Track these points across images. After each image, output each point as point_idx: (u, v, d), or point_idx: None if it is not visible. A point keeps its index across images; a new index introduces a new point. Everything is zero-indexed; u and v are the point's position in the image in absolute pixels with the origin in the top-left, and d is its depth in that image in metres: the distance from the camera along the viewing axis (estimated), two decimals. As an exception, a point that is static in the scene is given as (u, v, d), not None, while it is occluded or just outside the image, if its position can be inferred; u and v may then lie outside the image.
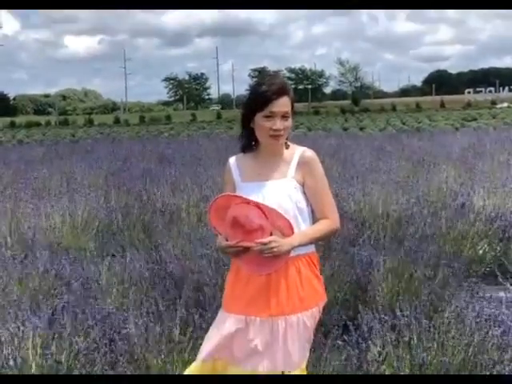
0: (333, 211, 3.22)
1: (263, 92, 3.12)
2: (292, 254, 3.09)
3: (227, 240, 3.09)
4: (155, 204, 9.17)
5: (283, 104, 3.12)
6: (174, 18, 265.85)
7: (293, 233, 3.06)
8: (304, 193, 3.20)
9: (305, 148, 3.25)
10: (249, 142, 3.26)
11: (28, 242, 7.24)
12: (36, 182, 11.42)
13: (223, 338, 3.16)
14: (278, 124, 3.11)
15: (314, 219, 3.26)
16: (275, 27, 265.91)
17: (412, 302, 4.63)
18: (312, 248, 3.24)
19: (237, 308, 3.17)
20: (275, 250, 3.00)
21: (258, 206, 3.05)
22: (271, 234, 3.03)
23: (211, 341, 3.20)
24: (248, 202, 3.07)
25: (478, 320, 4.14)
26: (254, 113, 3.15)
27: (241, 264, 3.14)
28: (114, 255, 6.74)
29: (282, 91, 3.13)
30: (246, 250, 3.05)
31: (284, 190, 3.15)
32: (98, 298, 5.16)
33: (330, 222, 3.20)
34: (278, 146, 3.20)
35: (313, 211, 3.25)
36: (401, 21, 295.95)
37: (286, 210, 3.11)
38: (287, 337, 3.11)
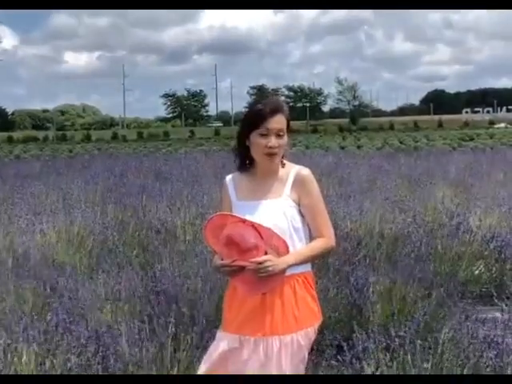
0: (328, 229, 3.22)
1: (259, 110, 3.15)
2: (287, 273, 3.08)
3: (222, 259, 3.08)
4: (151, 221, 9.15)
5: (278, 121, 3.14)
6: (172, 34, 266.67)
7: (288, 252, 3.05)
8: (300, 212, 3.19)
9: (300, 166, 3.25)
10: (244, 161, 3.26)
11: (22, 258, 7.20)
12: (32, 197, 11.38)
13: (218, 357, 3.15)
14: (273, 141, 3.12)
15: (311, 238, 3.25)
16: (273, 45, 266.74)
17: (406, 323, 4.60)
18: (308, 267, 3.23)
19: (231, 327, 3.17)
20: (270, 269, 2.99)
21: (253, 225, 3.04)
22: (266, 254, 3.02)
23: (208, 360, 3.20)
24: (243, 220, 3.06)
25: (472, 341, 4.12)
26: (250, 130, 3.17)
27: (236, 283, 3.13)
28: (108, 271, 6.71)
29: (276, 109, 3.15)
30: (242, 269, 3.04)
31: (279, 209, 3.15)
32: (92, 315, 5.14)
33: (326, 240, 3.20)
34: (273, 165, 3.20)
35: (309, 230, 3.24)
36: (399, 40, 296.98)
37: (282, 228, 3.11)
38: (281, 357, 3.10)
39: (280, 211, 3.14)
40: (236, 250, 3.02)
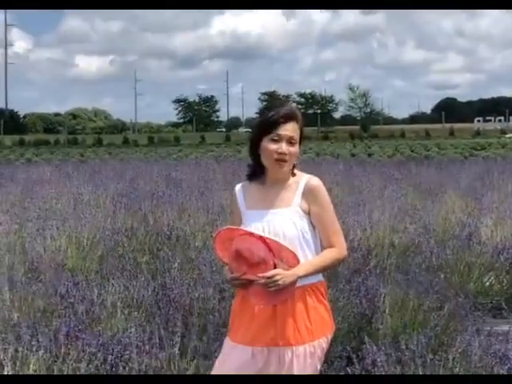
0: (339, 239, 3.19)
1: (271, 116, 3.14)
2: (298, 284, 3.06)
3: (232, 272, 3.07)
4: (161, 227, 9.15)
5: (290, 129, 3.13)
6: (184, 40, 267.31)
7: (298, 263, 3.03)
8: (310, 221, 3.17)
9: (310, 176, 3.23)
10: (255, 170, 3.24)
11: (32, 263, 7.22)
12: (43, 201, 11.41)
13: (230, 368, 3.13)
14: (284, 148, 3.11)
15: (322, 248, 3.22)
16: (285, 51, 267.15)
17: (417, 336, 4.57)
18: (319, 277, 3.21)
19: (244, 339, 3.14)
20: (280, 282, 2.98)
21: (261, 238, 3.02)
22: (275, 266, 3.00)
23: (219, 371, 3.18)
24: (251, 233, 3.04)
25: (484, 357, 4.09)
26: (262, 136, 3.15)
27: (247, 295, 3.11)
28: (118, 278, 6.71)
29: (290, 116, 3.14)
30: (251, 281, 3.03)
31: (289, 219, 3.13)
32: (102, 322, 5.14)
33: (337, 251, 3.17)
34: (283, 173, 3.17)
35: (320, 240, 3.22)
36: (410, 48, 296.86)
37: (291, 238, 3.09)
38: (293, 367, 3.09)
39: (289, 220, 3.12)
40: (245, 264, 3.01)
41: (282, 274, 2.99)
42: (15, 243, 7.92)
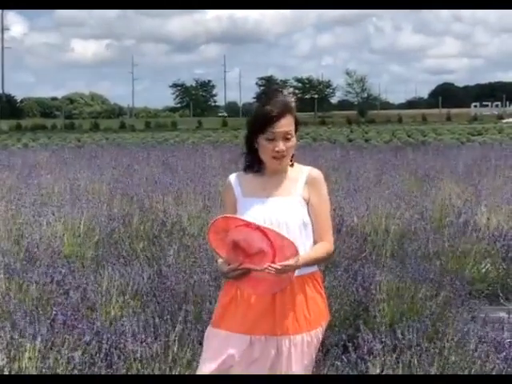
0: (330, 235, 3.22)
1: (264, 114, 3.11)
2: (297, 273, 3.06)
3: (229, 264, 3.05)
4: (157, 213, 9.13)
5: (285, 124, 3.10)
6: (180, 24, 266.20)
7: (297, 252, 3.00)
8: (309, 211, 3.17)
9: (311, 167, 3.24)
10: (253, 163, 3.23)
11: (28, 250, 7.20)
12: (39, 187, 11.39)
13: (227, 357, 3.10)
14: (281, 145, 3.10)
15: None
16: (282, 36, 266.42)
17: (413, 323, 4.57)
18: (315, 267, 3.21)
19: (241, 327, 3.11)
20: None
21: (258, 228, 3.00)
22: (274, 256, 2.97)
23: (214, 360, 3.13)
24: (248, 224, 3.02)
25: (479, 345, 4.10)
26: (257, 134, 3.13)
27: (244, 285, 3.10)
28: (114, 264, 6.70)
29: (283, 111, 3.11)
30: (249, 271, 3.02)
31: (290, 207, 3.13)
32: (97, 309, 5.14)
33: (329, 245, 3.19)
34: (282, 167, 3.18)
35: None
36: (407, 33, 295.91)
37: (292, 226, 3.10)
38: (291, 356, 3.10)
39: (291, 208, 3.13)
40: (242, 254, 2.99)
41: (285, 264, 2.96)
42: (11, 229, 7.91)
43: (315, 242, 3.17)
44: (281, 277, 3.00)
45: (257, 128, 3.13)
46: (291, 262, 2.95)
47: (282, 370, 3.09)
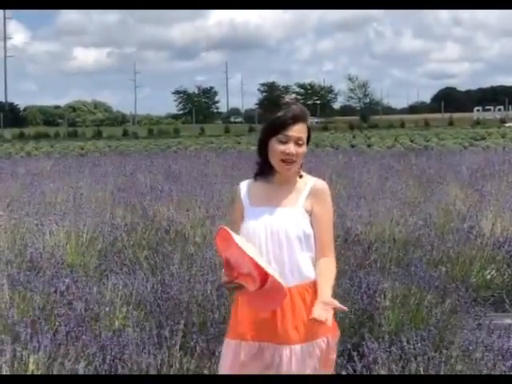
0: (332, 247, 3.21)
1: (280, 117, 3.15)
2: (296, 282, 3.08)
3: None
4: (160, 222, 9.11)
5: (298, 130, 3.14)
6: (181, 31, 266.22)
7: (285, 296, 3.01)
8: (311, 222, 3.16)
9: (316, 179, 3.25)
10: (263, 168, 3.25)
11: (31, 260, 7.18)
12: (42, 196, 11.37)
13: (240, 366, 3.13)
14: (292, 148, 3.12)
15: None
16: (283, 42, 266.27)
17: (419, 332, 4.54)
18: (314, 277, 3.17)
19: (249, 335, 3.14)
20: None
21: (251, 259, 2.97)
22: (263, 284, 2.96)
23: (226, 371, 3.18)
24: (243, 252, 2.99)
25: (485, 354, 4.06)
26: (270, 137, 3.16)
27: (243, 300, 3.10)
28: (118, 274, 6.68)
29: (298, 117, 3.15)
30: (242, 286, 3.02)
31: (292, 217, 3.13)
32: (100, 320, 5.11)
33: (333, 261, 3.17)
34: (290, 174, 3.19)
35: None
36: (408, 37, 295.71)
37: (292, 236, 3.10)
38: (291, 366, 3.07)
39: (293, 219, 3.12)
40: (236, 271, 3.00)
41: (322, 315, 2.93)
42: (14, 239, 7.89)
43: (317, 254, 3.15)
44: (273, 295, 2.98)
45: (271, 131, 3.16)
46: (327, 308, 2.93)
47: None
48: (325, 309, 2.92)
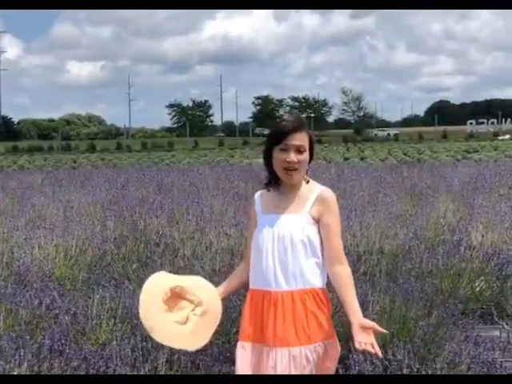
0: (344, 256, 3.30)
1: (281, 127, 3.28)
2: (299, 287, 3.20)
3: None
4: (150, 235, 9.09)
5: (298, 138, 3.25)
6: (175, 44, 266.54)
7: None
8: (319, 229, 3.26)
9: (323, 186, 3.35)
10: (270, 179, 3.37)
11: (19, 273, 7.15)
12: (32, 209, 11.34)
13: (250, 367, 3.26)
14: (292, 156, 3.23)
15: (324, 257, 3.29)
16: (276, 56, 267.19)
17: (405, 345, 4.52)
18: (318, 283, 3.26)
19: (252, 336, 3.28)
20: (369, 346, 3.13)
21: None
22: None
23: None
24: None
25: (472, 366, 4.04)
26: (272, 146, 3.29)
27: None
28: (105, 286, 6.64)
29: (297, 126, 3.26)
30: None
31: (297, 224, 3.24)
32: (86, 333, 5.08)
33: (348, 268, 3.30)
34: (294, 181, 3.29)
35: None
36: (401, 51, 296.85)
37: (295, 242, 3.21)
38: (290, 368, 3.16)
39: (298, 225, 3.24)
40: None
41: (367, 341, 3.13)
42: (2, 252, 7.85)
43: (331, 263, 3.25)
44: None
45: (273, 141, 3.29)
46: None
47: None
48: (366, 333, 3.09)
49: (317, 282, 3.25)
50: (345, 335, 5.20)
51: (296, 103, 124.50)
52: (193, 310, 3.37)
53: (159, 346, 4.43)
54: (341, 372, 4.13)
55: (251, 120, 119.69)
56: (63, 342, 4.39)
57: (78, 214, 10.95)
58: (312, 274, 3.23)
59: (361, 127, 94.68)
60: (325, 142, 65.54)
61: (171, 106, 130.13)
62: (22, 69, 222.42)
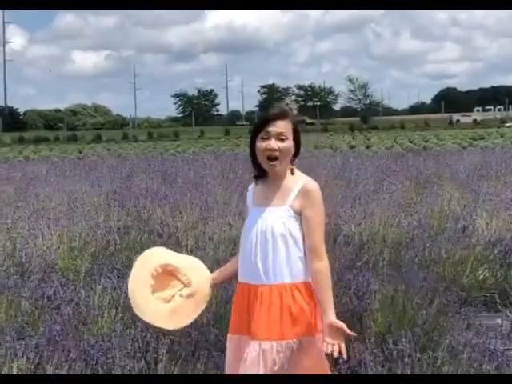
0: (324, 249, 3.20)
1: (262, 116, 3.30)
2: (278, 281, 3.15)
3: None
4: (154, 224, 9.09)
5: (279, 126, 3.21)
6: (179, 33, 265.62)
7: None
8: (301, 223, 3.21)
9: (309, 178, 3.28)
10: (257, 171, 3.33)
11: (22, 263, 7.16)
12: (36, 200, 11.34)
13: (231, 359, 3.30)
14: (272, 143, 3.18)
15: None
16: (281, 44, 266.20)
17: (406, 333, 4.50)
18: (300, 278, 3.19)
19: (233, 329, 3.30)
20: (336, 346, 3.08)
21: None
22: None
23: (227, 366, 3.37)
24: None
25: (472, 354, 4.03)
26: (255, 136, 3.26)
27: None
28: (109, 277, 6.64)
29: (279, 115, 3.23)
30: None
31: (279, 217, 3.20)
32: (87, 324, 5.08)
33: (327, 264, 3.18)
34: (277, 171, 3.24)
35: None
36: (406, 38, 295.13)
37: (276, 235, 3.17)
38: (259, 362, 3.12)
39: (280, 218, 3.19)
40: None
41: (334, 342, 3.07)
42: (5, 243, 7.86)
43: (309, 258, 3.18)
44: None
45: (254, 131, 3.27)
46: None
47: (247, 372, 3.11)
48: (336, 334, 3.05)
49: (299, 276, 3.19)
50: (345, 324, 5.19)
51: (302, 91, 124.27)
52: (180, 290, 3.34)
53: (160, 337, 4.44)
54: (340, 362, 4.10)
55: (257, 109, 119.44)
56: (63, 333, 4.38)
57: (82, 204, 10.94)
58: (293, 268, 3.17)
59: (367, 115, 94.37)
60: (330, 130, 65.41)
61: (177, 95, 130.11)
62: (28, 59, 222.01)
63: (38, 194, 12.09)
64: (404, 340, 4.24)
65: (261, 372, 3.09)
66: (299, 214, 3.19)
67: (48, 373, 3.92)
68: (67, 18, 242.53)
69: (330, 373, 3.28)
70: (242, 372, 3.13)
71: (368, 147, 33.57)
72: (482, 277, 6.96)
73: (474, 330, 4.77)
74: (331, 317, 3.07)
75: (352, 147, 34.23)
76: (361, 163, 18.80)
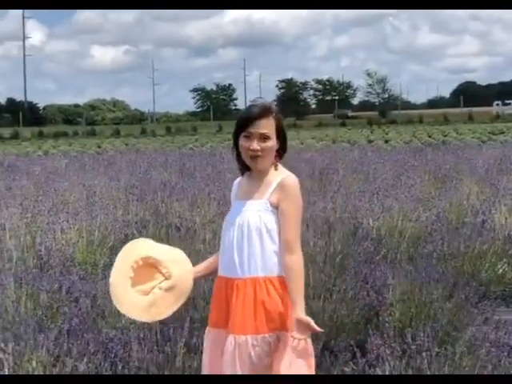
0: (299, 244, 3.20)
1: (243, 114, 3.29)
2: (252, 275, 3.16)
3: None
4: (172, 218, 9.12)
5: (262, 125, 3.21)
6: (197, 28, 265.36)
7: None
8: (278, 216, 3.22)
9: (289, 173, 3.28)
10: (241, 165, 3.35)
11: (42, 257, 7.21)
12: (56, 194, 11.40)
13: (208, 352, 3.32)
14: (255, 145, 3.20)
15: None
16: (299, 38, 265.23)
17: (424, 328, 4.49)
18: (275, 272, 3.19)
19: (213, 321, 3.33)
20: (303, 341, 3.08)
21: None
22: None
23: (205, 359, 3.38)
24: None
25: (491, 349, 4.01)
26: (238, 134, 3.27)
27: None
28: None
29: (261, 113, 3.22)
30: None
31: (256, 210, 3.21)
32: (106, 317, 5.11)
33: (300, 260, 3.16)
34: (260, 168, 3.26)
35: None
36: (424, 32, 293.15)
37: (252, 228, 3.18)
38: (235, 356, 3.13)
39: (256, 212, 3.20)
40: None
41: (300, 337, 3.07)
42: (25, 237, 7.91)
43: (282, 251, 3.17)
44: None
45: (238, 127, 3.27)
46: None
47: (227, 369, 3.13)
48: (303, 329, 3.04)
49: (273, 270, 3.18)
50: (363, 318, 5.20)
51: (320, 86, 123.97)
52: (160, 282, 3.33)
53: (178, 330, 4.45)
54: (358, 356, 4.11)
55: (275, 103, 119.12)
56: (80, 326, 4.41)
57: (101, 198, 10.99)
58: (267, 262, 3.17)
59: (385, 109, 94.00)
60: (349, 124, 65.24)
61: (195, 90, 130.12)
62: (47, 54, 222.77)
63: (57, 188, 12.15)
64: (422, 334, 4.23)
65: (238, 366, 3.11)
66: (276, 208, 3.20)
67: (67, 365, 3.95)
68: (86, 14, 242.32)
69: (314, 367, 3.21)
70: (223, 367, 3.16)
71: (386, 141, 33.43)
72: (500, 271, 6.94)
73: (493, 325, 4.74)
74: (299, 312, 3.06)
75: (370, 141, 34.11)
76: (379, 157, 18.73)
